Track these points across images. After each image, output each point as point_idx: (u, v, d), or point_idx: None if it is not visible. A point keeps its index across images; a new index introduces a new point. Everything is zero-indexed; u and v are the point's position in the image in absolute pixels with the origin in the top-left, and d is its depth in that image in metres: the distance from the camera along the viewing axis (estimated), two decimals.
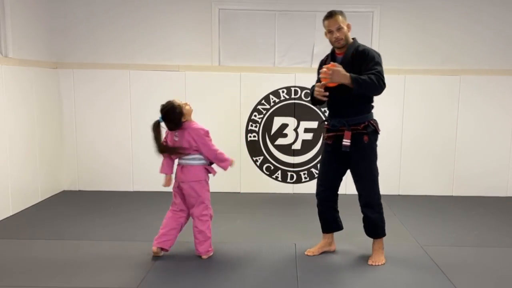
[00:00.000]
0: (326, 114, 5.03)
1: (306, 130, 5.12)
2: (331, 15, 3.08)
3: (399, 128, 5.08)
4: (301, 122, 5.11)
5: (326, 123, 3.28)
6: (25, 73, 4.46)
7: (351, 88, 2.98)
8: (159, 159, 3.34)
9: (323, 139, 3.35)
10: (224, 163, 3.28)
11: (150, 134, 3.18)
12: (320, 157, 3.43)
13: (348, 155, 3.15)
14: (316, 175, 4.90)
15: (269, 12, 5.07)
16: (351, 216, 4.08)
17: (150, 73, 5.03)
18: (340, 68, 2.95)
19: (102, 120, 5.09)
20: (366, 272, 3.08)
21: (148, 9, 5.00)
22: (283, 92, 5.09)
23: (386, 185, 5.04)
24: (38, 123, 4.66)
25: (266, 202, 4.85)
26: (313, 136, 5.13)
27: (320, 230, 3.44)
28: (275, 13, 5.08)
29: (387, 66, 4.95)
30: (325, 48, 4.90)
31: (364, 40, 4.94)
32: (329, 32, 3.10)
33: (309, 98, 5.01)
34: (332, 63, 3.04)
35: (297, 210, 4.44)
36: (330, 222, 3.38)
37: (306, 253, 3.37)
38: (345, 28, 3.08)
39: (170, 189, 3.35)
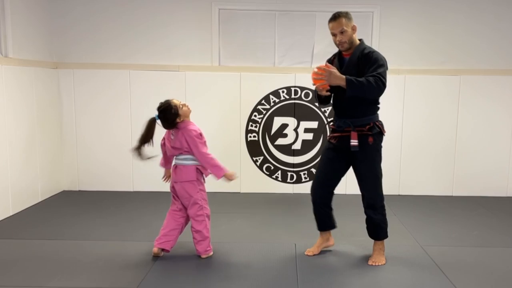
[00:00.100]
0: (326, 114, 5.07)
1: (306, 130, 5.12)
2: (334, 17, 3.04)
3: (399, 128, 5.08)
4: (301, 122, 5.11)
5: (331, 123, 3.28)
6: (25, 73, 4.46)
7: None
8: (159, 159, 3.34)
9: (327, 139, 3.32)
10: (217, 170, 3.20)
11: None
12: (320, 157, 3.42)
13: (352, 156, 3.15)
14: None
15: (269, 12, 5.07)
16: (351, 216, 4.09)
17: (150, 73, 5.03)
18: (334, 69, 2.95)
19: (102, 120, 5.09)
20: (366, 272, 3.08)
21: (148, 9, 5.00)
22: (283, 92, 5.09)
23: (386, 185, 4.99)
24: (38, 123, 4.66)
25: (266, 202, 4.85)
26: (313, 136, 5.13)
27: None
28: (275, 13, 5.08)
29: (387, 66, 4.99)
30: (325, 48, 4.92)
31: (364, 40, 4.96)
32: (332, 35, 3.09)
33: (310, 98, 5.04)
34: (326, 63, 3.03)
35: (297, 210, 4.44)
36: (324, 220, 3.36)
37: (306, 253, 3.37)
38: (349, 30, 3.05)
39: (169, 188, 3.35)
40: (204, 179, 3.33)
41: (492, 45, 5.02)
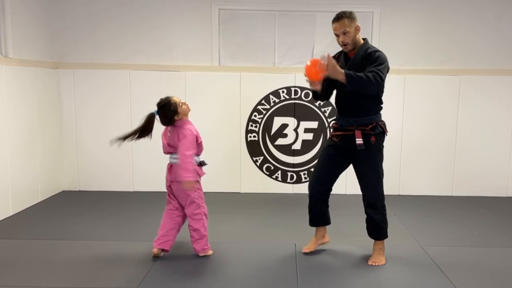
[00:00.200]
0: (326, 114, 5.07)
1: (306, 130, 5.12)
2: (337, 18, 3.03)
3: (399, 128, 5.08)
4: (301, 122, 5.11)
5: (334, 121, 3.28)
6: (25, 73, 4.46)
7: (358, 92, 2.99)
8: (159, 159, 3.34)
9: (329, 136, 3.31)
10: (185, 173, 3.10)
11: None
12: (320, 154, 3.41)
13: (354, 155, 3.15)
14: None
15: (269, 12, 5.07)
16: (351, 216, 4.09)
17: (150, 73, 5.03)
18: (335, 62, 2.93)
19: (102, 120, 5.09)
20: (366, 272, 3.08)
21: (148, 9, 5.00)
22: (283, 92, 5.09)
23: (386, 185, 4.98)
24: (38, 123, 4.66)
25: (266, 202, 4.85)
26: (313, 136, 5.12)
27: None
28: (275, 13, 5.08)
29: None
30: (325, 48, 4.91)
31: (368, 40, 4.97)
32: (335, 35, 3.08)
33: (310, 98, 5.04)
34: (328, 54, 3.00)
35: (297, 210, 4.44)
36: (319, 215, 3.36)
37: (303, 250, 3.38)
38: (352, 31, 3.03)
39: (165, 188, 3.35)
40: (200, 177, 3.32)
41: (493, 45, 5.02)
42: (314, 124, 5.10)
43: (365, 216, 3.25)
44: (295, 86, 5.06)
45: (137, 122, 4.97)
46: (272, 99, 5.10)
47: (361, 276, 3.01)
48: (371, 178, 3.15)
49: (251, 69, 5.07)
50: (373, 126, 3.10)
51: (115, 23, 5.01)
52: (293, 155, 5.17)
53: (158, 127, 3.26)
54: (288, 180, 5.21)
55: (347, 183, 4.67)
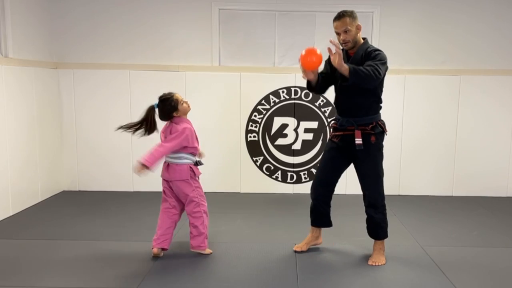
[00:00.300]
0: (326, 114, 5.07)
1: (306, 130, 5.12)
2: (339, 17, 3.04)
3: (399, 128, 5.08)
4: (301, 122, 5.11)
5: (333, 122, 3.28)
6: (25, 73, 4.46)
7: (359, 88, 3.00)
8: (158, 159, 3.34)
9: (329, 137, 3.31)
10: (147, 155, 3.06)
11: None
12: (321, 155, 3.42)
13: (354, 155, 3.16)
14: None
15: (269, 12, 5.07)
16: (351, 216, 4.09)
17: (150, 73, 5.03)
18: (341, 52, 2.91)
19: (102, 120, 5.09)
20: (366, 272, 3.08)
21: (148, 9, 5.01)
22: (283, 92, 5.09)
23: (386, 185, 4.98)
24: (38, 123, 4.66)
25: (266, 202, 4.85)
26: (313, 136, 5.13)
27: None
28: (275, 13, 5.08)
29: (388, 66, 4.98)
30: (325, 48, 4.90)
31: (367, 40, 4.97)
32: (336, 33, 3.08)
33: (310, 98, 5.04)
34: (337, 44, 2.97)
35: (297, 210, 4.44)
36: (322, 218, 3.38)
37: (294, 248, 3.39)
38: (354, 30, 3.04)
39: (161, 186, 3.35)
40: (198, 177, 3.33)
41: (493, 45, 5.02)
42: (314, 124, 5.10)
43: (365, 216, 3.26)
44: (295, 86, 5.06)
45: None
46: (272, 99, 5.10)
47: (361, 276, 3.01)
48: (371, 178, 3.16)
49: (251, 69, 5.07)
50: (373, 125, 3.10)
51: (115, 23, 5.01)
52: (293, 155, 5.17)
53: (159, 127, 3.26)
54: (288, 180, 5.21)
55: (347, 183, 4.67)
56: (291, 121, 5.12)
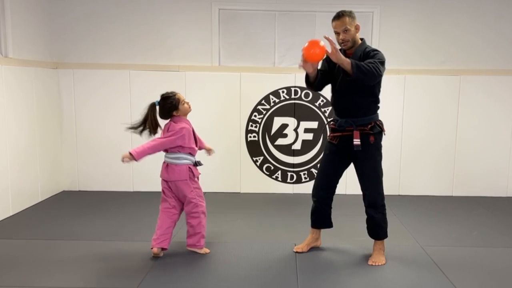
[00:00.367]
0: (326, 114, 5.07)
1: (306, 130, 5.12)
2: (338, 16, 3.05)
3: (399, 128, 5.08)
4: (301, 122, 5.11)
5: (332, 122, 3.28)
6: (26, 73, 4.46)
7: (358, 89, 3.02)
8: (158, 159, 3.34)
9: (327, 139, 3.32)
10: (140, 152, 3.11)
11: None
12: (321, 156, 3.43)
13: (353, 155, 3.17)
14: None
15: (269, 12, 5.07)
16: (351, 216, 4.09)
17: (150, 73, 5.03)
18: (336, 46, 2.93)
19: (102, 120, 5.09)
20: (366, 272, 3.08)
21: (148, 9, 5.00)
22: (283, 92, 5.09)
23: (386, 185, 4.97)
24: (38, 123, 4.66)
25: (266, 202, 4.85)
26: (313, 136, 5.12)
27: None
28: (275, 13, 5.08)
29: (387, 66, 4.96)
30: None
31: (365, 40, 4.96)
32: (335, 33, 3.09)
33: (310, 98, 5.03)
34: (329, 38, 2.98)
35: (297, 210, 4.44)
36: (323, 219, 3.40)
37: (294, 249, 3.39)
38: (353, 30, 3.06)
39: (161, 186, 3.36)
40: (197, 177, 3.33)
41: (493, 45, 5.02)
42: (314, 124, 5.10)
43: (365, 216, 3.26)
44: (295, 86, 5.06)
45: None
46: (272, 99, 5.10)
47: (361, 276, 3.01)
48: (371, 178, 3.17)
49: (251, 69, 5.07)
50: (372, 126, 3.11)
51: (115, 23, 5.01)
52: (293, 155, 5.17)
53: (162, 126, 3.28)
54: (288, 180, 5.21)
55: (347, 183, 4.67)
56: (291, 121, 5.12)
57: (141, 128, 3.21)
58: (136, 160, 3.11)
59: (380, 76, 2.98)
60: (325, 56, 3.00)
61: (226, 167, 5.13)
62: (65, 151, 5.14)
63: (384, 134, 3.21)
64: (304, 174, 5.19)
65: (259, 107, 5.11)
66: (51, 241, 3.59)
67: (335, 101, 3.23)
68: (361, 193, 3.25)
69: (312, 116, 5.10)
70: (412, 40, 5.03)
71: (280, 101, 5.10)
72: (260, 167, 5.19)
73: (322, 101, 5.05)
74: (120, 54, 5.04)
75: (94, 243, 3.55)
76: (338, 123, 3.18)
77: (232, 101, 5.08)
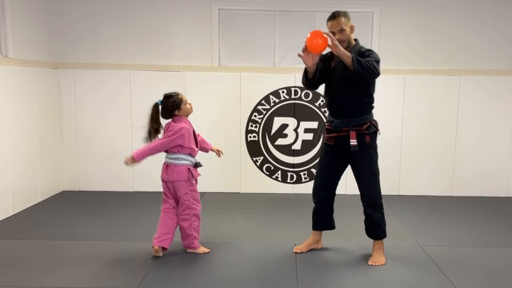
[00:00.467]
0: (326, 114, 5.06)
1: (306, 131, 5.12)
2: (334, 16, 3.08)
3: (399, 128, 5.08)
4: (301, 123, 5.11)
5: (327, 123, 3.28)
6: (25, 73, 4.46)
7: (354, 89, 3.04)
8: (159, 159, 3.34)
9: (322, 139, 3.33)
10: (140, 153, 3.16)
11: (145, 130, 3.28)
12: (318, 159, 3.43)
13: (350, 155, 3.17)
14: None
15: (269, 12, 5.07)
16: (351, 216, 4.09)
17: (150, 73, 5.03)
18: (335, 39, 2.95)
19: (102, 120, 5.09)
20: (366, 272, 3.08)
21: (148, 10, 5.01)
22: (283, 92, 5.09)
23: (386, 185, 5.01)
24: (38, 123, 4.66)
25: (266, 202, 4.85)
26: (313, 137, 5.12)
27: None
28: (275, 13, 5.08)
29: (387, 66, 4.99)
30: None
31: (364, 40, 4.94)
32: (331, 33, 3.10)
33: (310, 98, 5.03)
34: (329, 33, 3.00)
35: (297, 210, 4.44)
36: (325, 221, 3.40)
37: (294, 250, 3.40)
38: (348, 30, 3.08)
39: (162, 186, 3.37)
40: (196, 179, 3.33)
41: (493, 45, 5.02)
42: (314, 124, 5.10)
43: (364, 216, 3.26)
44: (295, 86, 5.06)
45: (137, 122, 5.04)
46: (272, 99, 5.10)
47: (361, 276, 3.01)
48: (368, 177, 3.18)
49: (251, 69, 5.07)
50: (368, 126, 3.14)
51: (115, 23, 5.01)
52: (293, 155, 5.17)
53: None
54: (288, 180, 5.21)
55: (347, 183, 4.65)
56: (291, 121, 5.12)
57: (149, 132, 3.24)
58: (137, 161, 3.15)
59: (378, 74, 3.00)
60: (324, 51, 3.01)
61: (226, 167, 5.13)
62: (65, 151, 5.14)
63: (379, 134, 3.23)
64: (304, 174, 5.19)
65: (259, 107, 5.11)
66: (51, 241, 3.59)
67: (331, 102, 3.24)
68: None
69: (312, 116, 5.10)
70: (412, 40, 5.03)
71: (280, 101, 5.10)
72: (260, 167, 5.19)
73: (322, 101, 5.05)
74: (120, 54, 5.04)
75: (94, 243, 3.55)
76: (334, 124, 3.19)
77: (232, 101, 5.08)
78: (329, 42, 2.92)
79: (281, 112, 5.11)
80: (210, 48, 5.06)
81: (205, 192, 5.04)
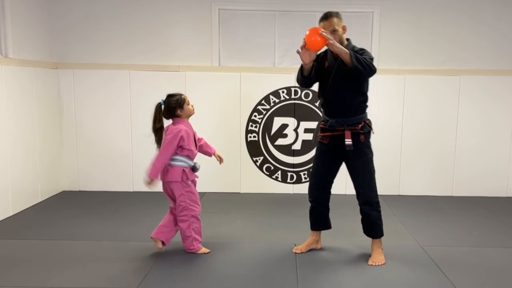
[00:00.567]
0: (321, 114, 5.06)
1: (306, 131, 5.12)
2: (326, 17, 3.10)
3: (399, 128, 5.08)
4: (301, 123, 5.11)
5: (322, 122, 3.29)
6: (25, 73, 4.46)
7: (348, 88, 3.06)
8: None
9: (317, 139, 3.34)
10: (151, 169, 3.17)
11: (150, 134, 3.28)
12: (313, 157, 3.44)
13: (345, 154, 3.18)
14: None
15: (269, 12, 5.07)
16: (351, 216, 4.08)
17: (150, 73, 5.03)
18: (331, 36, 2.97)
19: (102, 120, 5.09)
20: (366, 272, 3.08)
21: (148, 10, 5.01)
22: (283, 92, 5.09)
23: (386, 185, 5.06)
24: (38, 123, 4.66)
25: (266, 202, 4.85)
26: (313, 137, 5.12)
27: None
28: (275, 13, 5.08)
29: (387, 66, 4.99)
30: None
31: (364, 40, 4.98)
32: None
33: (310, 98, 5.03)
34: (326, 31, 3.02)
35: (297, 210, 4.44)
36: (321, 220, 3.41)
37: (293, 250, 3.40)
38: (340, 30, 3.10)
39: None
40: (193, 181, 3.33)
41: (492, 45, 5.02)
42: (314, 124, 5.09)
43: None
44: (295, 86, 5.06)
45: (137, 122, 5.06)
46: (272, 99, 5.10)
47: (361, 276, 3.01)
48: (364, 175, 3.20)
49: (251, 69, 5.07)
50: (362, 125, 3.15)
51: (115, 23, 5.01)
52: (293, 155, 5.17)
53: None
54: (288, 180, 5.21)
55: (347, 183, 4.65)
56: (291, 121, 5.12)
57: (154, 130, 3.25)
58: (156, 179, 3.17)
59: (375, 70, 3.02)
60: (322, 48, 3.03)
61: (226, 167, 5.09)
62: (65, 151, 5.14)
63: (373, 133, 3.24)
64: (304, 174, 5.19)
65: (259, 107, 5.11)
66: (51, 241, 3.59)
67: (325, 101, 3.24)
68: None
69: (312, 116, 5.10)
70: (412, 40, 5.03)
71: (280, 101, 5.10)
72: (260, 167, 5.19)
73: None
74: (120, 54, 5.04)
75: (94, 243, 3.55)
76: (329, 123, 3.20)
77: (232, 101, 5.08)
78: (330, 39, 2.90)
79: (281, 112, 5.11)
80: (210, 48, 5.06)
81: (205, 192, 5.04)
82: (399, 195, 5.15)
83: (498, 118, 5.07)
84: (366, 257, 3.29)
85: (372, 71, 3.00)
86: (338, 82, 3.10)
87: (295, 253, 3.37)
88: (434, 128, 5.10)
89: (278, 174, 5.20)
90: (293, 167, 5.19)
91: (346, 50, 2.93)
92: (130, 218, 4.20)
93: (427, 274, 3.04)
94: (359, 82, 3.10)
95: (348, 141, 3.09)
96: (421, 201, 4.91)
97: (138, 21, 5.01)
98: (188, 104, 3.26)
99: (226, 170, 5.12)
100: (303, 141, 5.14)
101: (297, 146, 5.15)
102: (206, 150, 3.47)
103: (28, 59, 4.52)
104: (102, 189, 5.16)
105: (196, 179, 3.36)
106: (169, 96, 3.24)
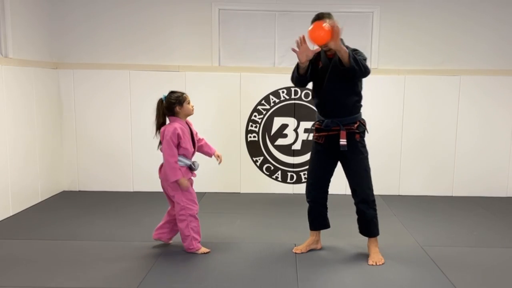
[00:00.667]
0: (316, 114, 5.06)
1: (306, 131, 5.12)
2: (318, 18, 3.10)
3: (399, 128, 5.08)
4: (301, 123, 5.11)
5: (317, 122, 3.29)
6: (25, 73, 4.46)
7: (344, 88, 3.08)
8: (159, 159, 3.34)
9: (313, 138, 3.35)
10: (173, 172, 3.17)
11: (150, 134, 3.32)
12: (309, 158, 3.45)
13: (341, 154, 3.20)
14: None
15: (269, 12, 5.07)
16: (351, 216, 4.07)
17: (150, 74, 5.03)
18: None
19: (102, 120, 5.09)
20: (366, 271, 3.08)
21: (148, 10, 5.01)
22: (283, 92, 5.09)
23: (386, 185, 5.07)
24: (38, 123, 4.66)
25: (266, 202, 4.85)
26: (307, 136, 5.13)
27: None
28: (275, 13, 5.08)
29: (387, 66, 5.00)
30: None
31: (364, 40, 4.98)
32: None
33: (310, 98, 5.04)
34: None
35: (297, 210, 4.43)
36: (320, 220, 3.42)
37: (293, 250, 3.40)
38: None
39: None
40: (191, 180, 3.34)
41: (492, 45, 5.02)
42: None
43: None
44: (295, 87, 5.05)
45: (137, 122, 5.06)
46: (272, 99, 5.10)
47: (361, 276, 3.01)
48: (360, 174, 3.21)
49: (251, 69, 5.07)
50: (358, 125, 3.17)
51: (115, 24, 5.02)
52: (293, 155, 5.17)
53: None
54: (288, 180, 5.22)
55: (346, 183, 4.67)
56: (291, 121, 5.12)
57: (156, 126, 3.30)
58: (182, 177, 3.19)
59: (369, 72, 3.05)
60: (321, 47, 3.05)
61: (226, 167, 5.11)
62: (65, 151, 5.14)
63: (367, 132, 3.26)
64: (304, 174, 5.19)
65: (259, 107, 5.12)
66: (51, 241, 3.59)
67: (320, 102, 3.25)
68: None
69: (312, 116, 5.09)
70: (412, 40, 5.03)
71: (280, 101, 5.10)
72: (260, 167, 5.19)
73: None
74: (120, 55, 5.04)
75: (94, 243, 3.55)
76: (324, 124, 3.20)
77: (232, 101, 5.08)
78: (336, 30, 2.87)
79: (281, 112, 5.11)
80: (210, 48, 5.06)
81: (205, 192, 5.04)
82: (399, 195, 5.15)
83: (498, 118, 5.07)
84: (366, 257, 3.29)
85: (367, 72, 3.03)
86: (333, 82, 3.12)
87: (295, 253, 3.38)
88: (434, 128, 5.10)
89: (278, 174, 5.20)
90: (293, 167, 5.19)
91: (345, 48, 2.94)
92: (130, 218, 4.20)
93: (427, 274, 3.05)
94: (353, 82, 3.13)
95: (343, 142, 3.11)
96: (421, 201, 4.91)
97: (138, 21, 5.01)
98: (189, 103, 3.26)
99: (226, 170, 5.13)
100: (303, 141, 5.14)
101: (297, 146, 5.15)
102: (206, 151, 3.47)
103: (28, 59, 4.52)
104: (102, 189, 5.16)
105: (193, 178, 3.35)
106: (171, 93, 3.27)
